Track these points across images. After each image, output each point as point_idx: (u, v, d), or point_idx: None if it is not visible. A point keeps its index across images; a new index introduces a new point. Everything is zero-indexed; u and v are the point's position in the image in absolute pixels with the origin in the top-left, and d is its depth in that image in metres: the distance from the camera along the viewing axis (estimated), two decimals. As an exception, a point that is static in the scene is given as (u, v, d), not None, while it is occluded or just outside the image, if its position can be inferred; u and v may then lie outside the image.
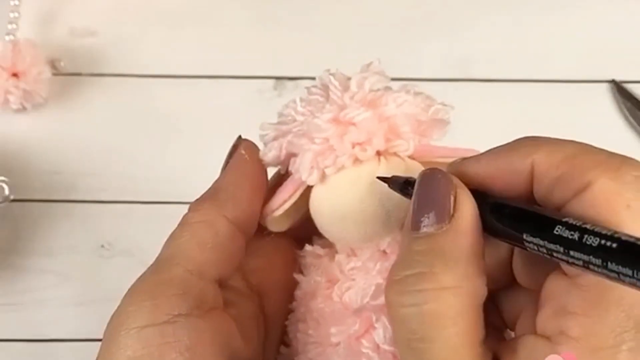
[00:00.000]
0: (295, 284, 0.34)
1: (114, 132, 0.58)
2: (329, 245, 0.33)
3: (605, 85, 0.60)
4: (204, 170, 0.57)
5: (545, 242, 0.24)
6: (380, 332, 0.31)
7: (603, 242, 0.23)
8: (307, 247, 0.34)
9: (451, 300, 0.25)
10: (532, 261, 0.28)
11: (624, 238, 0.22)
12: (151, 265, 0.31)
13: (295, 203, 0.32)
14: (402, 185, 0.30)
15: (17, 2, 0.60)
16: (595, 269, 0.23)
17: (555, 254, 0.24)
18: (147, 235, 0.56)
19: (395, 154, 0.31)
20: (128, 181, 0.57)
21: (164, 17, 0.62)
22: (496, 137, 0.57)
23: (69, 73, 0.60)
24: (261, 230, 0.33)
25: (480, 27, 0.62)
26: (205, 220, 0.31)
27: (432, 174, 0.28)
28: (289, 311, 0.34)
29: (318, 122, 0.30)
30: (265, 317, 0.33)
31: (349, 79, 0.31)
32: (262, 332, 0.33)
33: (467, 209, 0.26)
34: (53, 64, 0.60)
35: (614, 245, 0.22)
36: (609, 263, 0.22)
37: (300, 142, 0.31)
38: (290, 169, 0.32)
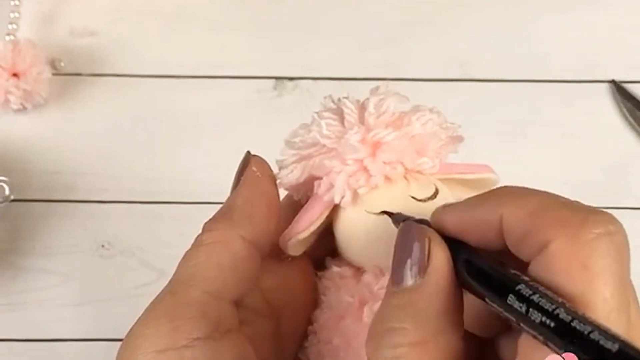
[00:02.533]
0: (311, 303, 0.33)
1: (114, 132, 0.58)
2: (350, 265, 0.33)
3: (605, 85, 0.60)
4: (204, 170, 0.58)
5: (502, 310, 0.24)
6: None
7: (544, 319, 0.22)
8: (334, 268, 0.33)
9: (421, 356, 0.25)
10: None
11: (561, 316, 0.22)
12: (166, 286, 0.30)
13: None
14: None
15: (17, 2, 0.60)
16: (542, 342, 0.22)
17: (512, 322, 0.24)
18: (147, 235, 0.56)
19: (419, 172, 0.32)
20: (128, 181, 0.57)
21: (164, 17, 0.62)
22: (496, 137, 0.57)
23: (69, 73, 0.60)
24: (278, 251, 0.32)
25: (479, 27, 0.62)
26: (221, 240, 0.30)
27: (407, 227, 0.27)
28: (304, 330, 0.33)
29: (353, 143, 0.30)
30: (280, 336, 0.33)
31: (359, 101, 0.32)
32: (277, 351, 0.32)
33: (439, 263, 0.26)
34: (53, 64, 0.60)
35: (552, 324, 0.22)
36: (548, 343, 0.22)
37: (332, 163, 0.31)
38: (316, 191, 0.31)
